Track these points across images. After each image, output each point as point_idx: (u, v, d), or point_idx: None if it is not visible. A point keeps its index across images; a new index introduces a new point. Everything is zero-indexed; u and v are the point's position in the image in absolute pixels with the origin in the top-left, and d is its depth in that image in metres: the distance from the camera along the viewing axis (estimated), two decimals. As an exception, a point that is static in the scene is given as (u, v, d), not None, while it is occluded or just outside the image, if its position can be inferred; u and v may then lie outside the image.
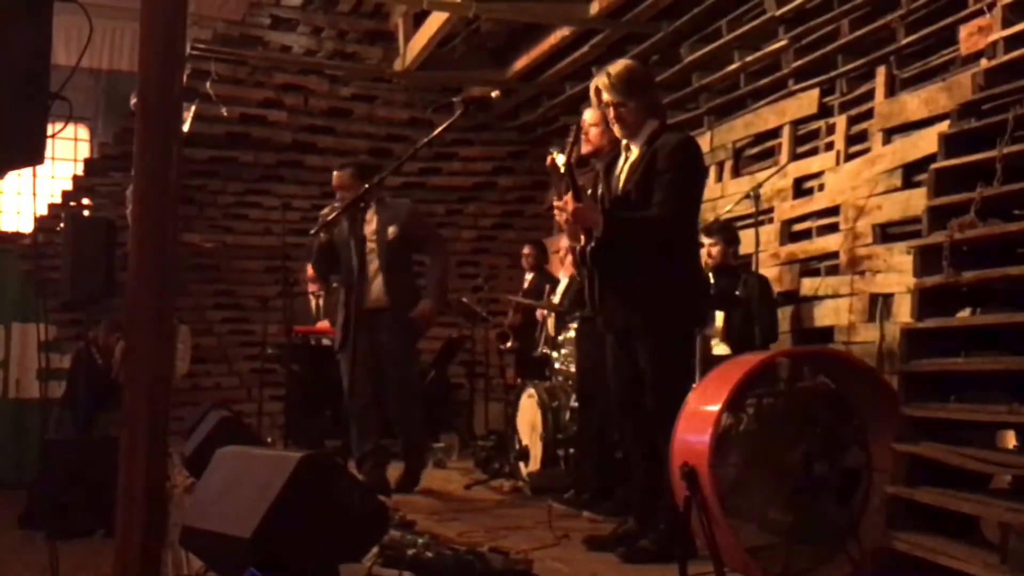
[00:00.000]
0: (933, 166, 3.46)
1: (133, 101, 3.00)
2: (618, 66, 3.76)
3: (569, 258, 5.79)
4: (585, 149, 4.58)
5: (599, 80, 3.74)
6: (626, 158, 3.78)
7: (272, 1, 8.28)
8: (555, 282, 6.61)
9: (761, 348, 5.18)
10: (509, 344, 7.18)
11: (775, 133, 6.39)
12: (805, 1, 5.73)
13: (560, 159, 3.91)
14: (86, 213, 8.74)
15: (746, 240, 5.80)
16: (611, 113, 3.73)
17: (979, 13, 4.59)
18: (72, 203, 8.90)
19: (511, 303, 7.58)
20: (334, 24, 8.40)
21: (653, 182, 3.61)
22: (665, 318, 3.63)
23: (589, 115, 4.58)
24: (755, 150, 6.67)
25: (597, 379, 4.75)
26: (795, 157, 6.14)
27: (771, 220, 6.24)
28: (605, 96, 3.72)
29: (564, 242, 5.79)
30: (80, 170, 9.29)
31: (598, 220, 3.60)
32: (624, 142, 3.79)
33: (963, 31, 4.72)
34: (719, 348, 5.45)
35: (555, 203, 4.29)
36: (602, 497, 4.74)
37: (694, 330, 4.12)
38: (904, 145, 5.17)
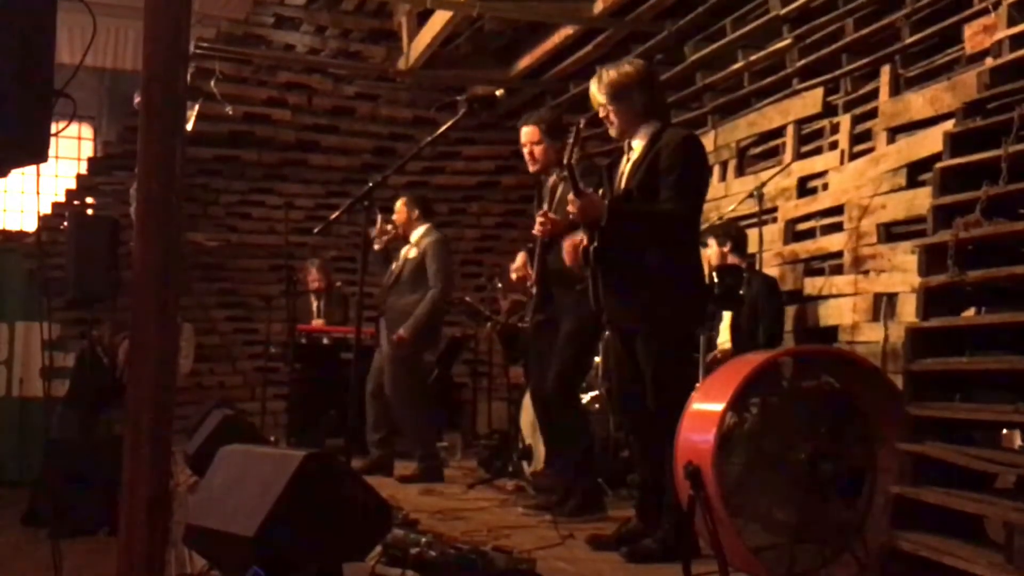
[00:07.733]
0: (938, 165, 3.45)
1: (137, 100, 3.00)
2: (611, 71, 3.77)
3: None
4: (532, 168, 4.67)
5: (592, 81, 3.81)
6: (628, 158, 3.78)
7: (276, 0, 8.29)
8: None
9: (765, 347, 5.16)
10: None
11: (779, 132, 6.38)
12: (809, 0, 5.72)
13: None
14: (90, 212, 8.75)
15: (750, 240, 5.79)
16: (602, 113, 3.79)
17: (984, 12, 4.57)
18: (76, 202, 8.92)
19: (506, 298, 7.52)
20: (338, 23, 8.41)
21: (656, 180, 3.61)
22: (667, 318, 3.61)
23: (525, 133, 4.67)
24: (759, 149, 6.66)
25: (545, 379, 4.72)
26: (799, 156, 6.12)
27: (775, 219, 6.22)
28: (596, 97, 3.78)
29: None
30: (84, 169, 9.31)
31: (602, 210, 3.58)
32: (626, 142, 3.80)
33: (968, 30, 4.71)
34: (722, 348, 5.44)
35: (537, 216, 4.31)
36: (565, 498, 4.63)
37: (696, 330, 4.12)
38: (909, 144, 5.15)
